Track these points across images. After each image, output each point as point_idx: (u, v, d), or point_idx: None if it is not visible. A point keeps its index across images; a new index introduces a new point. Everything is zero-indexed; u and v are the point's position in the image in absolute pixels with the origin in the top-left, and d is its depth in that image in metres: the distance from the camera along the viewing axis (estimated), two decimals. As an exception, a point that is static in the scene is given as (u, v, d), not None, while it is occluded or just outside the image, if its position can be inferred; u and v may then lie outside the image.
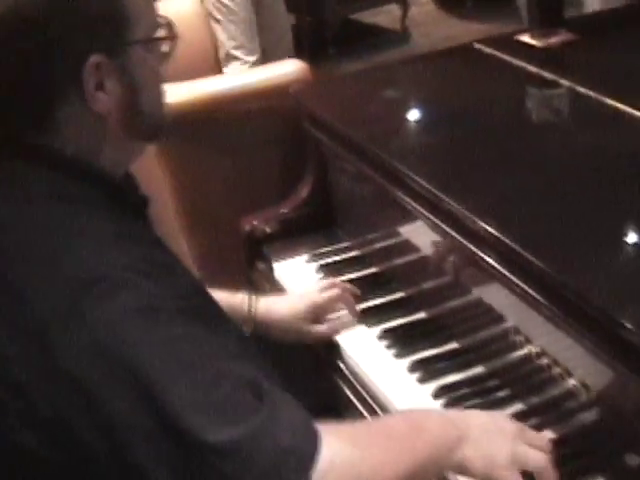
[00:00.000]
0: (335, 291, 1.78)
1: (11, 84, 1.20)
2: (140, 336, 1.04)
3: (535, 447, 1.32)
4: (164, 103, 1.31)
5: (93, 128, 1.22)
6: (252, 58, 3.90)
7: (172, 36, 1.30)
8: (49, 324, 1.05)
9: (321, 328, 1.75)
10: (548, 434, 1.39)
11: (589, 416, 1.40)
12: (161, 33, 1.29)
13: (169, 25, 1.30)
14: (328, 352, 1.75)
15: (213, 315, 1.21)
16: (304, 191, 2.11)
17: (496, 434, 1.31)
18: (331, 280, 1.85)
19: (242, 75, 2.79)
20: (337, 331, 1.75)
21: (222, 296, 1.63)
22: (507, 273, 1.46)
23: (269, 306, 1.72)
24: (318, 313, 1.75)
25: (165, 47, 1.29)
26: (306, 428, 1.11)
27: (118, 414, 1.03)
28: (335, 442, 1.12)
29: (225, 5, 4.18)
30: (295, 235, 2.09)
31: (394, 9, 6.03)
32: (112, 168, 1.25)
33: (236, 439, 1.04)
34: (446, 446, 1.26)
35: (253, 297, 1.71)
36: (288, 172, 2.21)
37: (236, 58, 4.02)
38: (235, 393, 1.07)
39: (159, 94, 1.30)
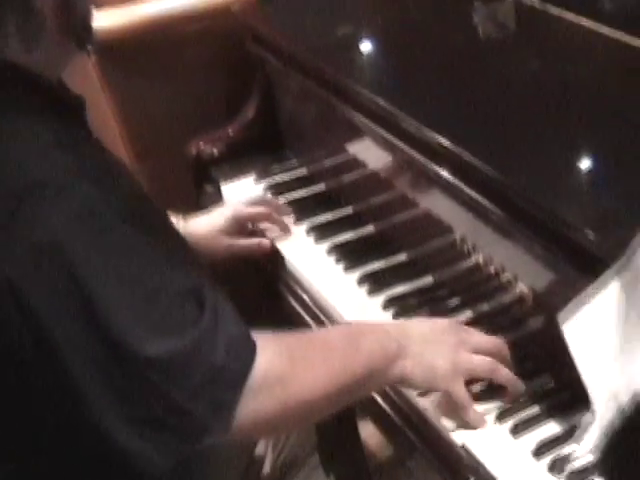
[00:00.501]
0: (261, 208, 1.77)
1: None
2: (80, 242, 1.01)
3: (483, 352, 1.32)
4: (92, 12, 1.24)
5: (31, 24, 1.13)
6: None
7: None
8: None
9: (242, 242, 1.74)
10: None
11: (538, 320, 1.41)
12: None
13: None
14: (277, 269, 1.75)
15: (156, 221, 1.17)
16: (250, 112, 2.09)
17: (437, 344, 1.30)
18: (262, 196, 1.85)
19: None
20: (260, 244, 1.74)
21: None
22: (454, 180, 1.46)
23: (190, 225, 1.70)
24: (241, 226, 1.74)
25: None
26: (243, 341, 1.10)
27: (52, 320, 1.00)
28: (269, 355, 1.12)
29: None
30: (243, 157, 2.07)
31: None
32: (46, 71, 1.17)
33: (172, 352, 1.02)
34: (384, 360, 1.25)
35: (177, 218, 1.68)
36: (234, 94, 2.18)
37: None
38: (175, 303, 1.05)
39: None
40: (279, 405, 1.12)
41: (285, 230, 1.78)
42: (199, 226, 1.71)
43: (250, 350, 1.10)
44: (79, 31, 1.19)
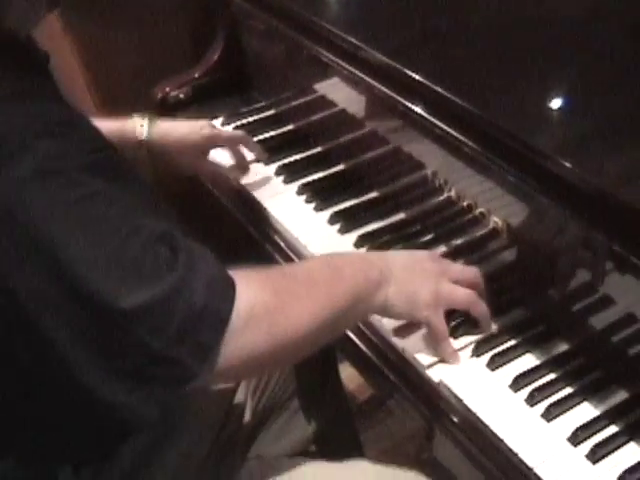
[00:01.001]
0: (240, 132, 1.78)
1: None
2: (42, 201, 0.96)
3: (462, 283, 1.31)
4: None
5: None
6: None
7: None
8: None
9: (213, 165, 1.73)
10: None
11: (511, 254, 1.40)
12: None
13: None
14: (246, 210, 1.72)
15: (121, 169, 1.11)
16: (216, 54, 2.05)
17: (418, 273, 1.29)
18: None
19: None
20: (232, 170, 1.74)
21: (111, 125, 1.59)
22: (424, 114, 1.44)
23: (166, 128, 1.67)
24: (210, 147, 1.73)
25: None
26: (222, 281, 1.07)
27: (20, 282, 0.96)
28: (252, 290, 1.09)
29: None
30: (210, 100, 2.03)
31: None
32: (14, 27, 1.11)
33: (149, 301, 0.99)
34: (368, 288, 1.24)
35: (147, 120, 1.66)
36: (200, 37, 2.14)
37: None
38: (147, 250, 1.02)
39: None
40: (267, 340, 1.10)
41: (261, 156, 1.77)
42: (170, 133, 1.68)
43: (231, 287, 1.07)
44: None
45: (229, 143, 1.76)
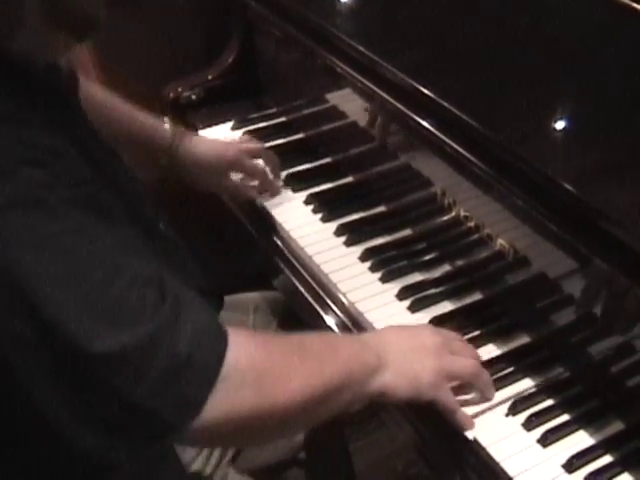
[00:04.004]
0: (260, 144, 1.76)
1: None
2: (18, 233, 0.91)
3: (462, 354, 1.28)
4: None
5: (5, 8, 1.01)
6: None
7: None
8: None
9: (245, 181, 1.71)
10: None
11: (516, 277, 1.41)
12: None
13: None
14: (254, 218, 1.73)
15: (108, 206, 1.04)
16: (230, 57, 2.06)
17: (417, 351, 1.24)
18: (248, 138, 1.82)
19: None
20: (260, 189, 1.72)
21: (140, 117, 1.60)
22: (435, 131, 1.44)
23: (194, 140, 1.66)
24: (240, 162, 1.70)
25: None
26: (212, 331, 1.02)
27: None
28: (245, 346, 1.04)
29: None
30: (221, 102, 2.04)
31: None
32: (26, 55, 1.05)
33: (126, 347, 0.93)
34: (363, 371, 1.17)
35: (178, 129, 1.65)
36: (214, 38, 2.14)
37: None
38: (130, 292, 0.96)
39: None
40: (254, 401, 1.03)
41: (277, 175, 1.76)
42: (206, 143, 1.68)
43: (221, 339, 1.02)
44: (76, 24, 1.06)
45: (256, 155, 1.74)
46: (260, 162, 1.74)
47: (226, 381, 0.99)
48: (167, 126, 1.65)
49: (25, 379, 0.93)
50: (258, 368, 1.04)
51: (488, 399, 1.27)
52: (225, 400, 1.00)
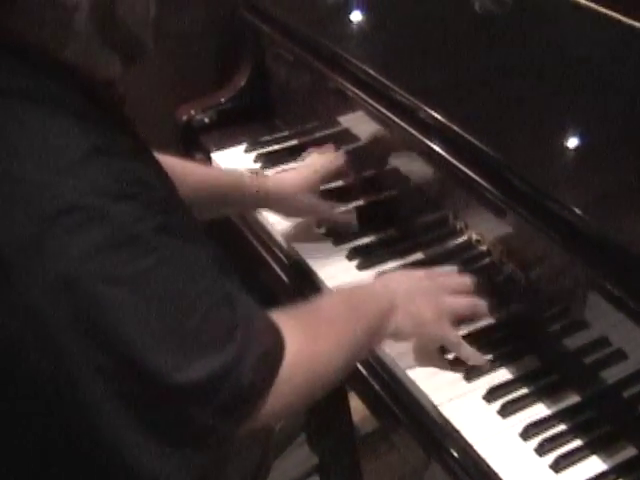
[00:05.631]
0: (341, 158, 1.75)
1: None
2: (114, 272, 0.93)
3: (460, 292, 1.40)
4: (149, 21, 1.09)
5: (58, 18, 1.00)
6: None
7: None
8: (10, 258, 0.91)
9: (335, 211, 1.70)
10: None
11: (527, 299, 1.41)
12: None
13: None
14: (264, 239, 1.74)
15: (190, 226, 1.09)
16: (242, 80, 2.07)
17: (419, 293, 1.36)
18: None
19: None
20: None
21: (215, 174, 1.63)
22: (448, 156, 1.44)
23: (278, 180, 1.67)
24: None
25: None
26: (273, 349, 1.09)
27: (73, 351, 0.92)
28: (297, 340, 1.12)
29: None
30: (233, 125, 2.05)
31: None
32: (86, 67, 1.05)
33: (203, 377, 0.97)
34: (382, 321, 1.31)
35: (257, 173, 1.65)
36: (225, 61, 2.16)
37: None
38: (210, 318, 1.00)
39: (143, 7, 1.08)
40: (308, 386, 1.15)
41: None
42: (292, 179, 1.67)
43: (279, 351, 1.10)
44: (125, 45, 1.07)
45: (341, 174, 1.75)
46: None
47: (282, 380, 1.09)
48: (247, 179, 1.62)
49: (100, 412, 0.94)
50: (309, 354, 1.15)
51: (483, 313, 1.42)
52: (281, 397, 1.09)
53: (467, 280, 1.43)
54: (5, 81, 0.98)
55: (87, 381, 0.94)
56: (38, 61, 1.00)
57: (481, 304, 1.40)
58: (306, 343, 1.15)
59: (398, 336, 1.35)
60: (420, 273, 1.43)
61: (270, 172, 1.82)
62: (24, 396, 0.96)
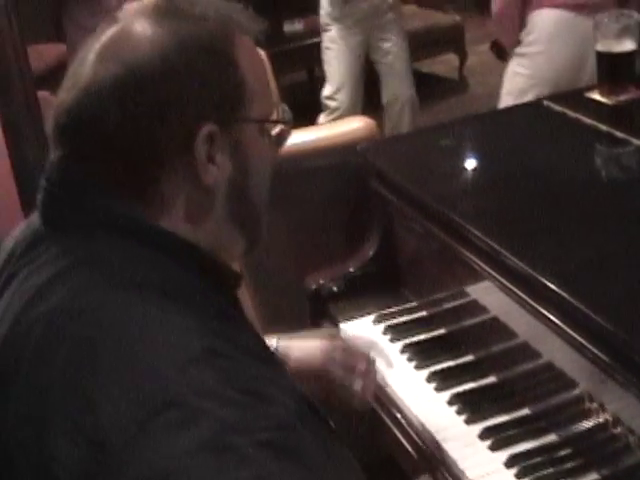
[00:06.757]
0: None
1: (123, 147, 1.07)
2: (204, 476, 0.91)
3: None
4: (267, 203, 1.19)
5: (200, 202, 1.09)
6: (338, 111, 4.07)
7: (287, 122, 1.20)
8: (111, 440, 0.93)
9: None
10: None
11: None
12: (275, 117, 1.18)
13: (284, 110, 1.20)
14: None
15: (304, 447, 1.01)
16: (371, 250, 2.09)
17: None
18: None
19: (309, 131, 2.79)
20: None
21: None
22: (578, 336, 1.44)
23: (296, 351, 1.58)
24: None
25: (278, 133, 1.18)
26: None
27: None
28: None
29: (327, 47, 4.34)
30: (360, 294, 2.07)
31: (452, 58, 6.06)
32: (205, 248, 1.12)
33: None
34: None
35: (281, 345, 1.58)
36: (354, 230, 2.20)
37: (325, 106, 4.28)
38: None
39: (266, 187, 1.19)
40: None
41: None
42: (307, 354, 1.58)
43: None
44: (249, 225, 1.16)
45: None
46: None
47: None
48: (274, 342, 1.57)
49: None
50: None
51: None
52: None
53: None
54: (144, 275, 1.05)
55: None
56: (173, 248, 1.07)
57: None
58: None
59: None
60: None
61: (399, 344, 1.84)
62: None
